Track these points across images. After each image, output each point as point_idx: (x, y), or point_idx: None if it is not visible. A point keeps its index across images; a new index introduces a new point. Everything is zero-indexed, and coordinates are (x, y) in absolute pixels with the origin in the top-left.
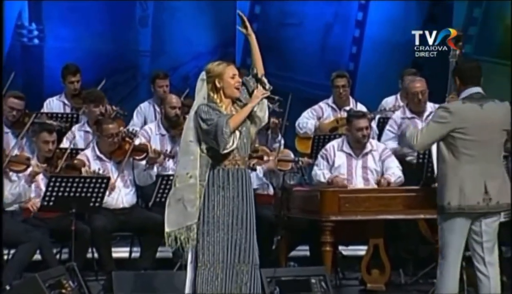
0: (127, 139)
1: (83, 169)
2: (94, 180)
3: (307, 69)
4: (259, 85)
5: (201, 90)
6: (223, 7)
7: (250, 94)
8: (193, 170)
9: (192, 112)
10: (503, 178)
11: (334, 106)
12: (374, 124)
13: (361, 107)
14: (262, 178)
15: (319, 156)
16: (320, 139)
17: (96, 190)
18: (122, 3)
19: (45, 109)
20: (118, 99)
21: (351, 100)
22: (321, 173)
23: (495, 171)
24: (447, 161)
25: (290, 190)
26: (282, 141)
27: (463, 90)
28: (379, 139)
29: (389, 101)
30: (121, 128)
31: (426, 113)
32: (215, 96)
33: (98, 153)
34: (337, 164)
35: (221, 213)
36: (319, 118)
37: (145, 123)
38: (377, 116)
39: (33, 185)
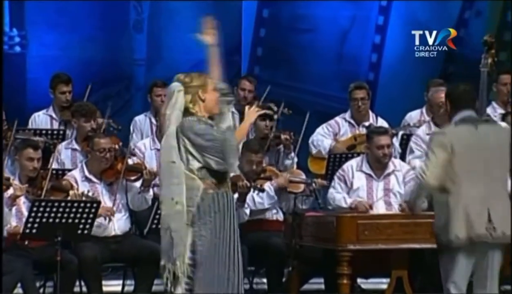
0: (119, 158)
1: (71, 192)
2: (82, 205)
3: (321, 80)
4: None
5: (177, 102)
6: (227, 10)
7: None
8: (179, 196)
9: (171, 128)
10: (507, 204)
11: (351, 121)
12: (396, 142)
13: (382, 123)
14: (274, 196)
15: (335, 177)
16: (336, 158)
17: (84, 215)
18: (114, 5)
19: (30, 125)
20: (110, 112)
21: (371, 115)
22: (341, 197)
23: (497, 197)
24: (446, 189)
25: (302, 216)
26: (296, 159)
27: (454, 114)
28: (402, 158)
29: (413, 116)
30: (115, 145)
31: None
32: (196, 109)
33: (87, 173)
34: (355, 186)
35: (218, 243)
36: (335, 135)
37: (142, 138)
38: (400, 133)
39: (14, 209)
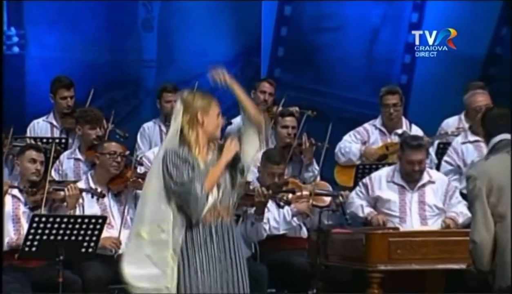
0: (128, 167)
1: (67, 190)
2: (86, 220)
3: (349, 83)
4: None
5: (175, 122)
6: (245, 7)
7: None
8: (166, 224)
9: (161, 152)
10: None
11: (382, 128)
12: (432, 151)
13: (416, 130)
14: (291, 221)
15: (360, 183)
16: (365, 168)
17: (89, 232)
18: (121, 2)
19: (29, 133)
20: (117, 119)
21: (404, 122)
22: (359, 205)
23: None
24: (493, 232)
25: (328, 233)
26: (317, 172)
27: (488, 141)
28: (438, 169)
29: (451, 123)
30: (125, 151)
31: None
32: (190, 132)
33: (92, 185)
34: (386, 198)
35: (207, 279)
36: (364, 143)
37: (150, 147)
38: (436, 142)
39: (11, 220)
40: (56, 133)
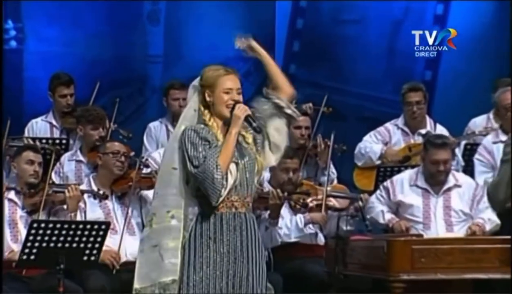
0: (132, 168)
1: (67, 191)
2: (88, 226)
3: (369, 80)
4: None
5: (191, 99)
6: (258, 1)
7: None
8: (176, 208)
9: (178, 129)
10: None
11: (405, 128)
12: (459, 153)
13: (441, 130)
14: (303, 229)
15: (381, 186)
16: (386, 171)
17: (91, 239)
18: None
19: (27, 134)
20: (121, 119)
21: (428, 121)
22: (380, 210)
23: None
24: None
25: (347, 240)
26: (333, 176)
27: None
28: (465, 171)
29: (478, 122)
30: (129, 152)
31: None
32: (206, 112)
33: (94, 188)
34: (409, 202)
35: (212, 275)
36: (385, 144)
37: (157, 147)
38: (463, 142)
39: (8, 225)
40: (56, 134)
